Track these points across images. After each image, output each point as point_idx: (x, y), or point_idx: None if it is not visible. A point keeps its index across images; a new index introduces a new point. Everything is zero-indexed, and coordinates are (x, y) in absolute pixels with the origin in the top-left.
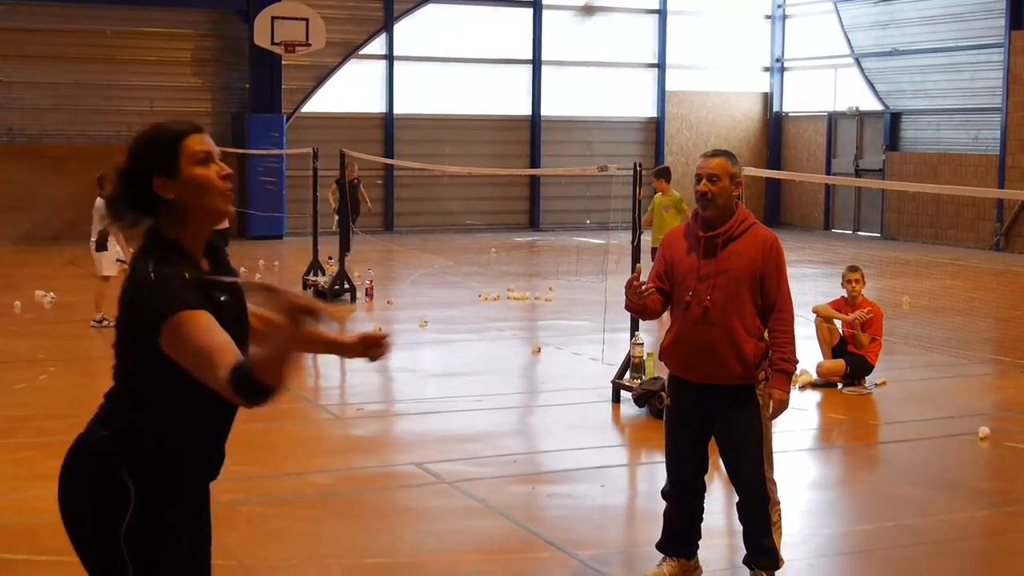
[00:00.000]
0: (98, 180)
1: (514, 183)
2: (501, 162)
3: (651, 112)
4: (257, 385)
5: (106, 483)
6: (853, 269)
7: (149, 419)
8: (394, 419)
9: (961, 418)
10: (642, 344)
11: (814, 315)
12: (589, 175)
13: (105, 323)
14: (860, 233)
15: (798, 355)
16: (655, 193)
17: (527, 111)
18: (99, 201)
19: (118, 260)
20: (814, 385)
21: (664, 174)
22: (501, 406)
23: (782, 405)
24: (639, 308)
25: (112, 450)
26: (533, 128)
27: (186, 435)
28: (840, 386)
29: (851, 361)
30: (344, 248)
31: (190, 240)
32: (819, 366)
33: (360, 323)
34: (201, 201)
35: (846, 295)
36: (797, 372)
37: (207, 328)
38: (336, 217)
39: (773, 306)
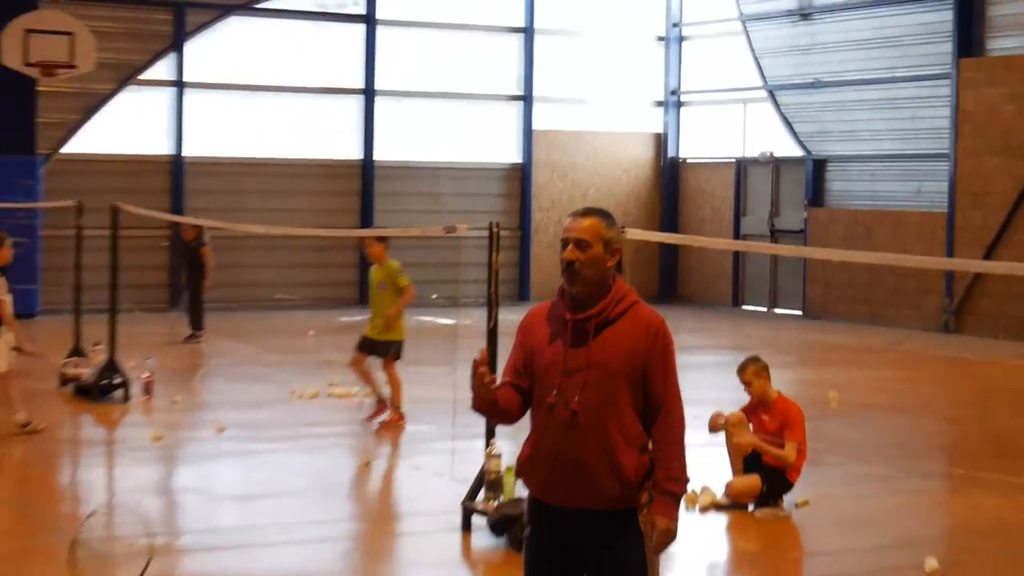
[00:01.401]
0: None
1: (340, 247)
2: (324, 220)
3: (514, 157)
4: None
5: None
6: (744, 367)
7: None
8: (179, 558)
9: (903, 547)
10: (500, 456)
11: (717, 431)
12: (434, 236)
13: (31, 427)
14: (777, 311)
15: (694, 470)
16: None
17: (357, 154)
18: None
19: (13, 349)
20: (719, 507)
21: (382, 239)
22: (319, 537)
23: (667, 536)
24: (488, 407)
25: None
26: (365, 176)
27: None
28: (752, 507)
29: (767, 476)
30: (195, 326)
31: None
32: (728, 485)
33: (134, 429)
34: None
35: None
36: (697, 490)
37: None
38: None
39: (659, 409)
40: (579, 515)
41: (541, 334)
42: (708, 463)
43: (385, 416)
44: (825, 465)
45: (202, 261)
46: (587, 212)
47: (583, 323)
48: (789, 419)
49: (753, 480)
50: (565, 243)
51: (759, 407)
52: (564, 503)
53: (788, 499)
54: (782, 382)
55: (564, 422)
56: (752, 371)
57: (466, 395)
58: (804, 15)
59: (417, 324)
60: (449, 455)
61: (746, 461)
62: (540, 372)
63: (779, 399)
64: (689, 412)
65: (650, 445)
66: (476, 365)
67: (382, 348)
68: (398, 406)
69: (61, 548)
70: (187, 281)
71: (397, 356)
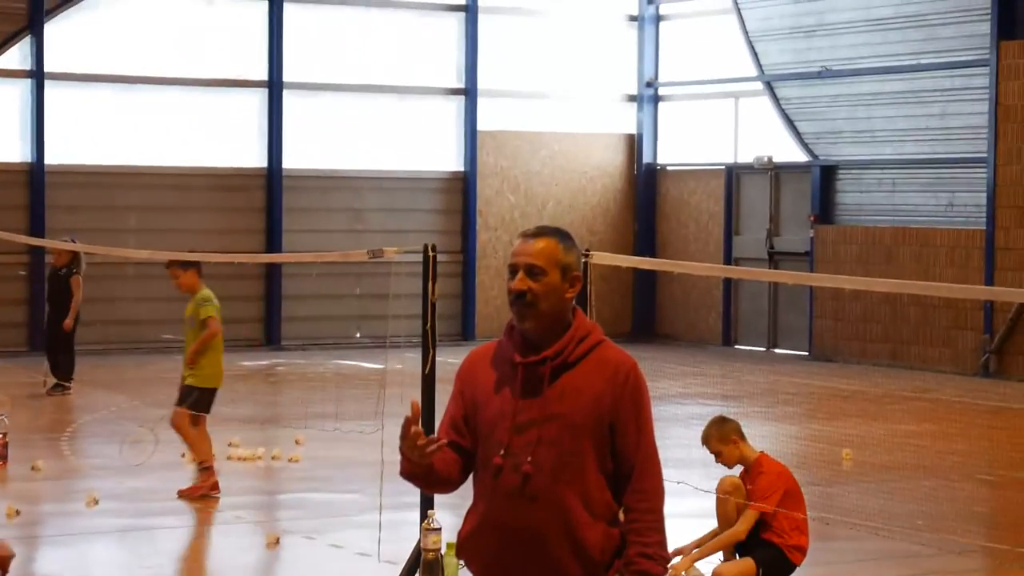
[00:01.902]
0: None
1: (241, 275)
2: (220, 242)
3: (455, 164)
4: None
5: None
6: (706, 437)
7: None
8: None
9: None
10: (440, 530)
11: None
12: (357, 262)
13: None
14: (778, 351)
15: (673, 546)
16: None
17: (260, 162)
18: None
19: None
20: None
21: (190, 264)
22: None
23: None
24: (422, 472)
25: None
26: (270, 188)
27: None
28: None
29: (763, 557)
30: (63, 374)
31: None
32: (718, 572)
33: None
34: None
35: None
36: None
37: None
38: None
39: (631, 471)
40: None
41: (485, 381)
42: (692, 538)
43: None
44: (837, 540)
45: (69, 294)
46: (540, 232)
47: (536, 367)
48: (757, 488)
49: (747, 565)
50: (514, 270)
51: (750, 479)
52: None
53: None
54: (784, 438)
55: (514, 488)
56: (717, 438)
57: (396, 457)
58: None
59: (337, 369)
60: (376, 530)
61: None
62: (484, 428)
63: (756, 462)
64: (670, 475)
65: (621, 516)
66: (408, 423)
67: (181, 395)
68: (205, 466)
69: None
70: (51, 318)
71: (198, 407)
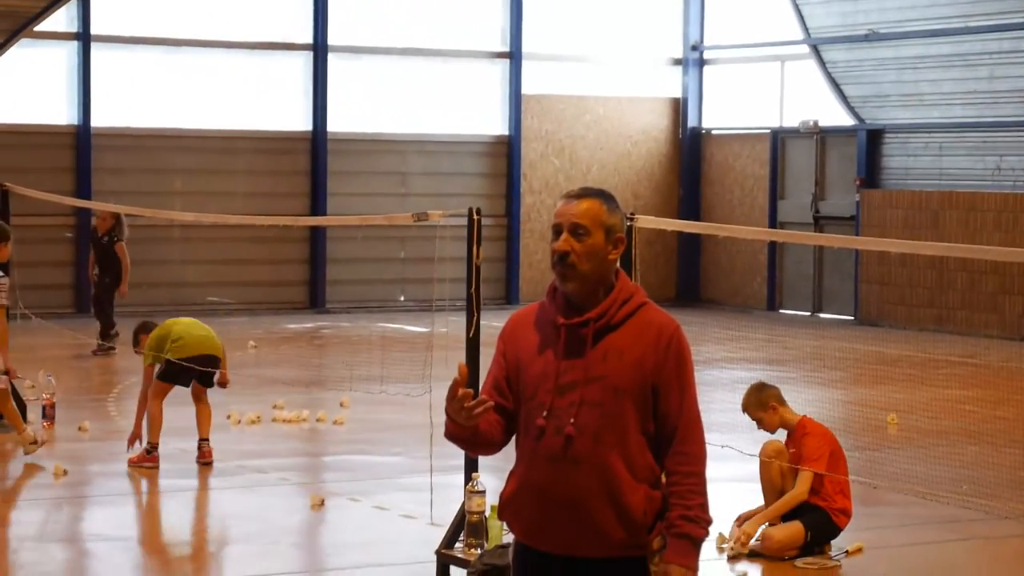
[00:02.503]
0: None
1: (286, 238)
2: (265, 205)
3: (499, 128)
4: None
5: None
6: (746, 405)
7: None
8: None
9: None
10: (484, 493)
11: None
12: (402, 226)
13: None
14: (823, 316)
15: (718, 510)
16: None
17: (305, 125)
18: None
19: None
20: (753, 554)
21: (144, 329)
22: None
23: None
24: (467, 435)
25: None
26: (315, 151)
27: None
28: (792, 558)
29: (811, 521)
30: (103, 333)
31: None
32: (766, 537)
33: (32, 462)
34: None
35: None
36: (725, 534)
37: None
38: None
39: (673, 434)
40: (575, 565)
41: (528, 343)
42: (736, 502)
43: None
44: (882, 505)
45: (114, 259)
46: (584, 193)
47: (578, 329)
48: (804, 449)
49: (795, 528)
50: (557, 231)
51: (789, 439)
52: (556, 550)
53: (837, 545)
54: (829, 402)
55: (556, 451)
56: (755, 405)
57: (443, 419)
58: None
59: (382, 332)
60: (422, 492)
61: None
62: (527, 390)
63: (800, 424)
64: (714, 439)
65: (663, 478)
66: (455, 385)
67: None
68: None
69: None
70: (98, 280)
71: None
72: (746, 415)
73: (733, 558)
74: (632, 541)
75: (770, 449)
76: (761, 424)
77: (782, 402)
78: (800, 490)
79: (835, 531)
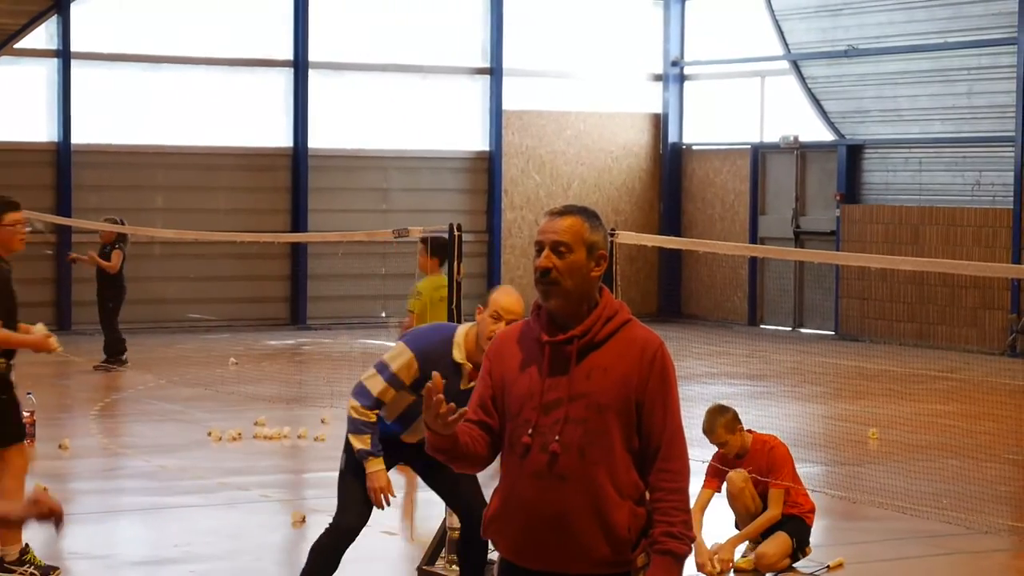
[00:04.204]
0: None
1: (267, 255)
2: (246, 221)
3: (480, 144)
4: None
5: None
6: (712, 427)
7: None
8: None
9: None
10: None
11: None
12: (382, 242)
13: None
14: (804, 331)
15: (701, 527)
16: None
17: (286, 141)
18: None
19: None
20: (740, 571)
21: (439, 250)
22: None
23: None
24: (448, 446)
25: None
26: (296, 168)
27: None
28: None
29: (792, 529)
30: (111, 350)
31: None
32: (761, 556)
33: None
34: None
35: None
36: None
37: None
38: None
39: (657, 451)
40: None
41: (512, 361)
42: (718, 517)
43: None
44: (863, 519)
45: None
46: (566, 211)
47: (563, 346)
48: (774, 461)
49: (783, 540)
50: (539, 248)
51: (734, 459)
52: (542, 567)
53: (820, 558)
54: (810, 417)
55: (541, 468)
56: (723, 426)
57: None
58: None
59: (363, 348)
60: (403, 509)
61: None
62: (512, 407)
63: (757, 440)
64: (696, 455)
65: (647, 495)
66: (429, 394)
67: None
68: None
69: None
70: (99, 297)
71: None
72: (708, 438)
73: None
74: (617, 558)
75: (739, 480)
76: (726, 447)
77: (741, 423)
78: (775, 512)
79: (809, 531)
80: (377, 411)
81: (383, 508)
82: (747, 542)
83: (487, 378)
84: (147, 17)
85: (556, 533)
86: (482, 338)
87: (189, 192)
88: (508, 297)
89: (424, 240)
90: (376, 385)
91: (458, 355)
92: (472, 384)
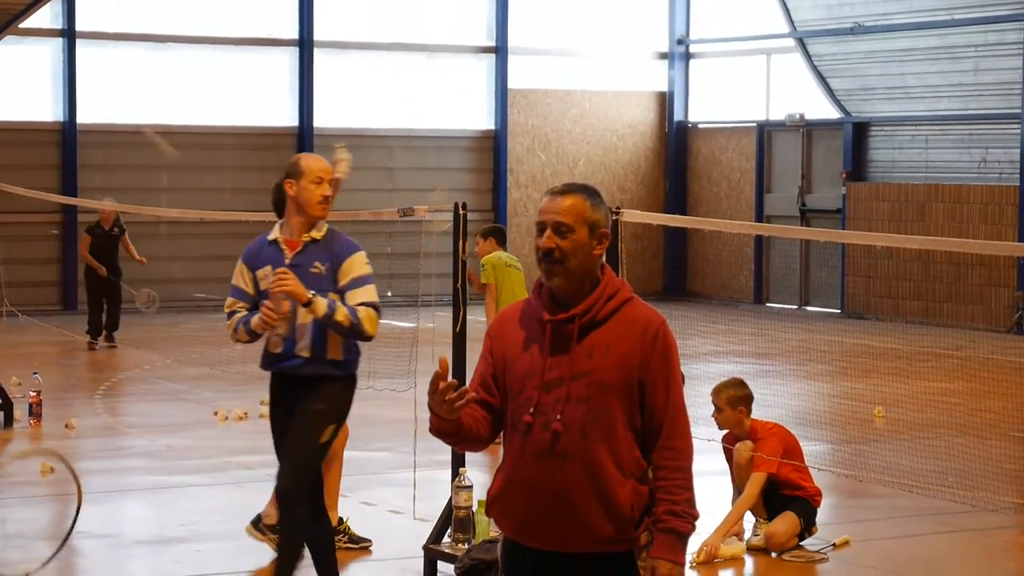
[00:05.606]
0: None
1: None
2: (251, 200)
3: (485, 122)
4: None
5: None
6: (720, 389)
7: None
8: None
9: None
10: (471, 488)
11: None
12: (387, 221)
13: None
14: (810, 309)
15: (704, 504)
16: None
17: (291, 120)
18: None
19: None
20: (750, 549)
21: (489, 233)
22: None
23: None
24: (451, 429)
25: None
26: (301, 146)
27: None
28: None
29: (798, 509)
30: (108, 327)
31: None
32: (771, 536)
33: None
34: None
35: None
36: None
37: None
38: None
39: (660, 429)
40: (563, 560)
41: (514, 340)
42: (722, 495)
43: None
44: (869, 497)
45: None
46: (567, 189)
47: (564, 325)
48: (763, 450)
49: (792, 520)
50: (541, 227)
51: (735, 438)
52: (545, 545)
53: (826, 536)
54: (815, 395)
55: (543, 446)
56: (726, 398)
57: (428, 415)
58: None
59: None
60: (409, 488)
61: (765, 497)
62: (514, 386)
63: (753, 429)
64: (701, 433)
65: (650, 473)
66: (436, 378)
67: None
68: None
69: None
70: (108, 275)
71: None
72: (712, 398)
73: (724, 558)
74: (620, 536)
75: (746, 451)
76: (718, 415)
77: (750, 410)
78: (750, 493)
79: (815, 512)
80: (233, 313)
81: (274, 317)
82: (756, 519)
83: (489, 357)
84: None
85: (558, 512)
86: (310, 205)
87: (194, 171)
88: (317, 160)
89: (475, 234)
90: (227, 303)
91: (274, 235)
92: (297, 253)
